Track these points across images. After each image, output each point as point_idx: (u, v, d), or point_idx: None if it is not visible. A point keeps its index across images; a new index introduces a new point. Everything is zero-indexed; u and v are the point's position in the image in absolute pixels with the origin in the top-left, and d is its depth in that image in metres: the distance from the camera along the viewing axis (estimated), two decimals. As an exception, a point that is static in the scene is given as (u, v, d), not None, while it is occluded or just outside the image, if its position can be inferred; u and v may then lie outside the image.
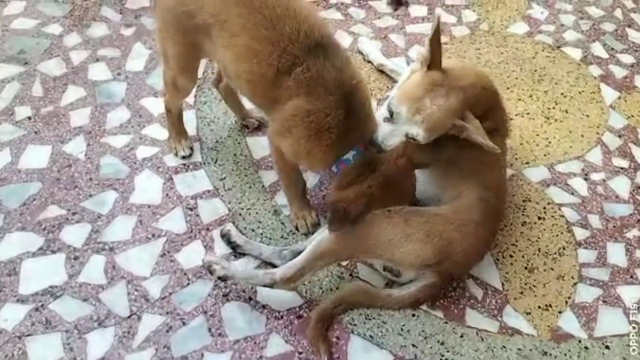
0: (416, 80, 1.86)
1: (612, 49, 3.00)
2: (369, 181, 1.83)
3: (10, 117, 2.36)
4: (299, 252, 1.95)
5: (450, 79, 1.84)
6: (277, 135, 1.90)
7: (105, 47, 2.66)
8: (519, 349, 1.93)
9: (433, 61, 1.83)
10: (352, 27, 2.91)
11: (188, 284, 1.97)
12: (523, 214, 2.30)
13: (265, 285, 1.92)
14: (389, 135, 1.84)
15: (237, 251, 2.05)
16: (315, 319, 1.87)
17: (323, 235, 1.90)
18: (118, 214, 2.12)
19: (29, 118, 2.36)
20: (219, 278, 1.93)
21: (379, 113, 2.20)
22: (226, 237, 2.06)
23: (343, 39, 2.84)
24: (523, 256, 2.18)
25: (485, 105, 1.99)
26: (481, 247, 2.02)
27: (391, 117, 1.84)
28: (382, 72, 2.71)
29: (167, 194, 2.19)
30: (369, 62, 2.75)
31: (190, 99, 2.49)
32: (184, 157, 2.29)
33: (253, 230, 2.13)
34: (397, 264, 1.92)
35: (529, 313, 2.03)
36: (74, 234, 2.05)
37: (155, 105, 2.43)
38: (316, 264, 1.89)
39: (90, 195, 2.16)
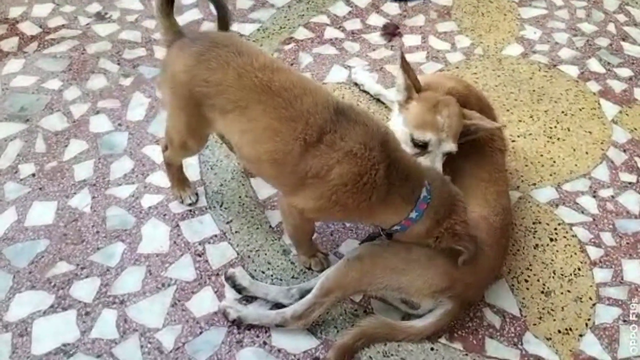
0: (418, 108, 2.00)
1: (609, 63, 3.01)
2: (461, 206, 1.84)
3: (15, 175, 2.36)
4: (307, 290, 1.95)
5: (439, 91, 2.05)
6: (319, 212, 1.80)
7: (105, 98, 2.68)
8: (543, 377, 1.89)
9: (415, 85, 2.02)
10: (348, 61, 2.93)
11: (201, 332, 1.94)
12: (534, 237, 2.27)
13: (277, 325, 1.92)
14: (435, 163, 1.96)
15: (243, 294, 2.02)
16: (335, 356, 1.84)
17: (329, 270, 1.93)
18: (127, 265, 2.11)
19: (33, 175, 2.37)
20: (233, 321, 1.94)
21: None
22: (231, 280, 2.03)
23: (339, 73, 2.86)
24: (538, 280, 2.15)
25: (475, 106, 2.13)
26: (491, 266, 1.99)
27: (425, 148, 1.97)
28: (379, 101, 2.72)
29: (174, 242, 2.18)
30: (365, 92, 2.77)
31: (192, 144, 2.50)
32: (190, 204, 2.29)
33: (263, 272, 2.11)
34: (407, 293, 1.89)
35: (550, 338, 1.99)
36: (84, 289, 2.03)
37: (158, 153, 2.42)
38: (325, 300, 1.89)
39: (98, 249, 2.15)
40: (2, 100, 2.65)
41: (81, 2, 3.17)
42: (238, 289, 2.02)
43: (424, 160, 1.95)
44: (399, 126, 2.04)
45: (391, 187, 1.73)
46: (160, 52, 2.85)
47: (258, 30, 3.07)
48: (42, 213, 2.24)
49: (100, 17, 3.10)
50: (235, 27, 3.07)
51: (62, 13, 3.11)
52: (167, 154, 2.17)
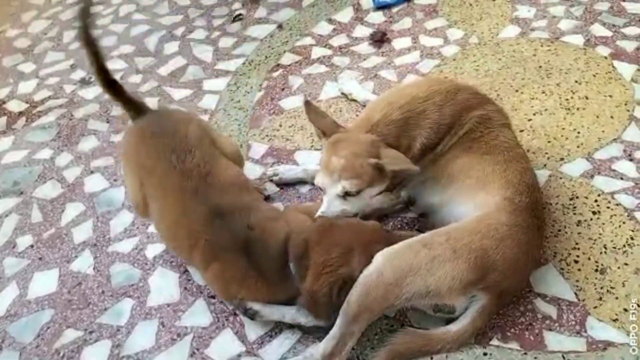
0: (323, 151, 1.92)
1: (614, 25, 2.82)
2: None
3: (13, 249, 2.24)
4: None
5: (351, 132, 1.89)
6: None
7: (98, 157, 2.59)
8: (619, 364, 1.64)
9: (323, 130, 1.91)
10: (340, 75, 2.80)
11: (226, 380, 1.75)
12: (575, 213, 2.05)
13: None
14: (329, 205, 1.82)
15: (256, 319, 1.82)
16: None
17: (349, 296, 1.67)
18: (137, 321, 1.94)
19: (32, 246, 2.25)
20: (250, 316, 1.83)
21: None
22: (241, 307, 1.83)
23: (333, 89, 2.72)
24: (589, 258, 1.91)
25: (430, 119, 1.89)
26: (525, 249, 1.74)
27: (323, 191, 1.86)
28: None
29: (185, 288, 2.01)
30: (354, 100, 2.62)
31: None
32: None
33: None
34: (438, 296, 1.65)
35: (616, 319, 1.75)
36: (95, 355, 1.87)
37: (157, 201, 2.30)
38: (355, 328, 1.66)
39: (106, 309, 1.99)
40: (-5, 179, 2.57)
41: (65, 71, 3.14)
42: (250, 314, 1.81)
43: (323, 203, 1.84)
44: None
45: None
46: (150, 103, 2.76)
47: (244, 64, 2.98)
48: (44, 283, 2.11)
49: (85, 82, 3.05)
50: (221, 65, 2.99)
51: (47, 85, 3.07)
52: None
